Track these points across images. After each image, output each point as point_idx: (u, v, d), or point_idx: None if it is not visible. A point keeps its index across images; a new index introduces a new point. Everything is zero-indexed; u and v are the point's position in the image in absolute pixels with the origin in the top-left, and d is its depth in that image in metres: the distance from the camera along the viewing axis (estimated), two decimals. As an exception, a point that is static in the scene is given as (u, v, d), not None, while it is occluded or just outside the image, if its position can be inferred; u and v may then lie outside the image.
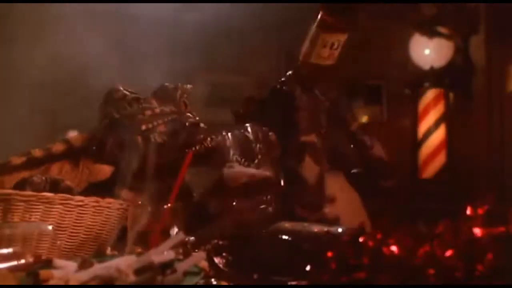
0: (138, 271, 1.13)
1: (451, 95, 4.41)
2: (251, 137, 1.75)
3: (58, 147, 1.86)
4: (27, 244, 1.34)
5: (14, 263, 1.26)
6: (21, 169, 1.79)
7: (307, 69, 2.19)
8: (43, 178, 1.69)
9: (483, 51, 4.18)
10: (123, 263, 1.15)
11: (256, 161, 1.66)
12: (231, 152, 1.62)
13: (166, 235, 1.53)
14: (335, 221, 2.11)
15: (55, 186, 1.65)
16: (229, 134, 1.72)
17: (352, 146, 2.25)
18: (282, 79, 2.23)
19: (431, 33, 4.34)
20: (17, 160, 1.80)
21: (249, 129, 1.75)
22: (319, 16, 2.12)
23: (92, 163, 1.88)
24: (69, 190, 1.67)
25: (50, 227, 1.43)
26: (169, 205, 1.54)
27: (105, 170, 1.86)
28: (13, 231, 1.34)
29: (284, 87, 2.20)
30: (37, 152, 1.83)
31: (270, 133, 1.96)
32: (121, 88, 2.00)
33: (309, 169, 2.14)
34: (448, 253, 1.00)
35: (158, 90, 2.02)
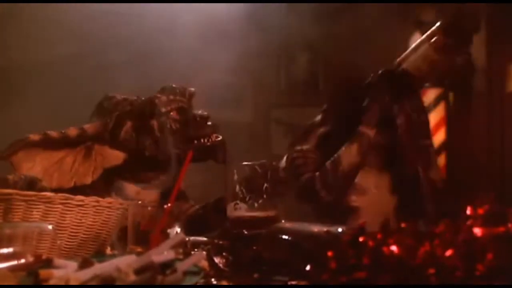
0: (138, 271, 1.13)
1: (451, 95, 4.40)
2: (260, 174, 1.79)
3: (72, 132, 1.96)
4: (28, 244, 1.34)
5: (14, 262, 1.27)
6: (37, 145, 1.91)
7: (399, 73, 2.26)
8: (21, 177, 1.69)
9: (483, 51, 4.17)
10: (123, 263, 1.15)
11: (260, 200, 1.71)
12: (237, 188, 1.67)
13: (166, 235, 1.54)
14: (355, 210, 2.22)
15: (31, 186, 1.66)
16: (236, 169, 1.76)
17: (415, 157, 2.28)
18: (377, 71, 2.32)
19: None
20: (34, 137, 1.91)
21: (258, 166, 1.78)
22: (435, 35, 2.15)
23: (104, 150, 1.96)
24: (44, 191, 1.68)
25: (50, 227, 1.43)
26: (169, 205, 1.54)
27: (118, 156, 1.95)
28: (14, 231, 1.34)
29: (372, 81, 2.32)
30: (53, 133, 1.94)
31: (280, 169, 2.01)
32: (115, 95, 2.09)
33: (349, 156, 2.22)
34: (448, 252, 1.00)
35: (165, 87, 2.10)
